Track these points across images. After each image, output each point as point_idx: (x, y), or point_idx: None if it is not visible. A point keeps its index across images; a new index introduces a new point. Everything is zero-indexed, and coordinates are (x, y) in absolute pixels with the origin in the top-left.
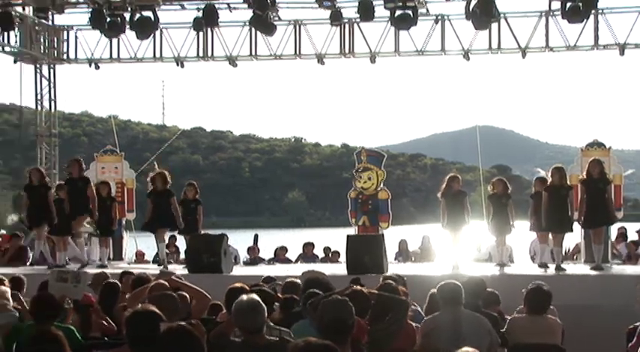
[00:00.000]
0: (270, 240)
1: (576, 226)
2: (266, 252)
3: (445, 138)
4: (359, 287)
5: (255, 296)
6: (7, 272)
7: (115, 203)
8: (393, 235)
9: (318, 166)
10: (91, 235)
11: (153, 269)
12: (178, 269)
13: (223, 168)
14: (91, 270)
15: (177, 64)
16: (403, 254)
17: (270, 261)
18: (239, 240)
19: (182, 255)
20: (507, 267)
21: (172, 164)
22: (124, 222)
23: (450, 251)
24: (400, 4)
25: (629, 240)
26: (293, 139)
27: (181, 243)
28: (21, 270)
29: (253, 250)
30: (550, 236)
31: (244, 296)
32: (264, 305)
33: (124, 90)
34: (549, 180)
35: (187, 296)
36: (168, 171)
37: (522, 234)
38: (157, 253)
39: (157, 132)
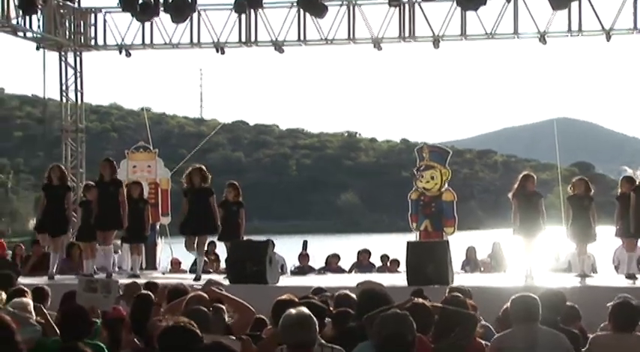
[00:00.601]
0: (320, 247)
1: None
2: (316, 260)
3: (518, 132)
4: (421, 300)
5: (304, 309)
6: (29, 283)
7: (148, 206)
8: (459, 242)
9: (375, 164)
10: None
11: (190, 280)
12: (218, 280)
13: (268, 167)
14: (122, 280)
15: (217, 51)
16: (471, 263)
17: (321, 271)
18: (286, 247)
19: (222, 264)
20: (589, 278)
21: (211, 162)
22: (157, 227)
23: (523, 260)
24: None
25: None
26: (346, 134)
27: (221, 250)
28: (44, 280)
29: (302, 258)
30: (639, 243)
31: (293, 310)
32: (314, 319)
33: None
34: (638, 179)
35: (225, 309)
36: (207, 168)
37: (607, 240)
38: (195, 261)
39: (194, 126)
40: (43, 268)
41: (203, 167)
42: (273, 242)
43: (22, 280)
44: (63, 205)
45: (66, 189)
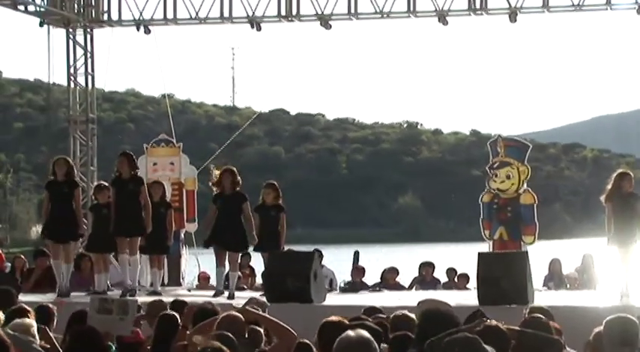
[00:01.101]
0: (375, 259)
1: None
2: (370, 274)
3: (610, 123)
4: (494, 323)
5: (364, 332)
6: (32, 300)
7: (171, 210)
8: (541, 253)
9: (439, 161)
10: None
11: (220, 297)
12: (259, 298)
13: (312, 164)
14: (142, 298)
15: (252, 26)
16: (555, 278)
17: (376, 287)
18: (334, 259)
19: (259, 279)
20: None
21: (245, 158)
22: (182, 236)
23: (619, 274)
24: None
25: None
26: (405, 125)
27: (257, 262)
28: (49, 298)
29: (354, 272)
30: None
31: (351, 332)
32: (376, 345)
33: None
34: None
35: (262, 332)
36: (238, 169)
37: None
38: (227, 276)
39: (226, 116)
40: (48, 283)
41: (234, 169)
42: (320, 252)
43: (24, 297)
44: (71, 205)
45: (74, 186)
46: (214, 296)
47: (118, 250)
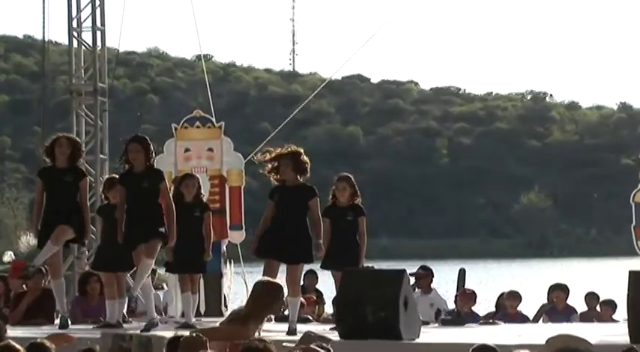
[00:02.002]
0: (487, 280)
1: None
2: (481, 300)
3: None
4: None
5: None
6: (22, 336)
7: (209, 213)
8: None
9: (576, 145)
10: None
11: (277, 332)
12: (323, 334)
13: (401, 150)
14: (169, 333)
15: None
16: None
17: (490, 318)
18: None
19: (328, 307)
20: None
21: (310, 142)
22: (224, 248)
23: None
24: None
25: None
26: (529, 96)
27: (326, 283)
28: (46, 331)
29: (460, 298)
30: None
31: None
32: None
33: (223, 12)
34: None
35: None
36: (305, 151)
37: None
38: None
39: (283, 84)
40: (44, 311)
41: (300, 150)
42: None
43: (12, 331)
44: (74, 199)
45: (80, 176)
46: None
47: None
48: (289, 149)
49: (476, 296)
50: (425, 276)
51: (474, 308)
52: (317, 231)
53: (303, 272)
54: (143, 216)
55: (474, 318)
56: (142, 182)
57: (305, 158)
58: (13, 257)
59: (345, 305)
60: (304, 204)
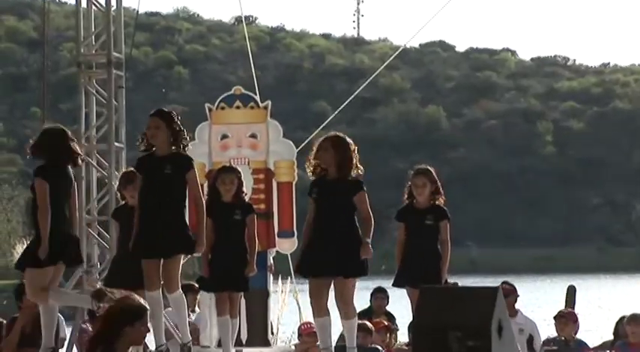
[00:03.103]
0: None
1: None
2: (595, 325)
3: None
4: None
5: None
6: None
7: (252, 217)
8: None
9: None
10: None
11: None
12: None
13: (494, 136)
14: None
15: None
16: None
17: (606, 348)
18: (532, 298)
19: (402, 336)
20: None
21: (380, 126)
22: (271, 260)
23: None
24: None
25: None
26: None
27: (399, 304)
28: None
29: (563, 319)
30: None
31: None
32: None
33: None
34: None
35: None
36: (368, 141)
37: None
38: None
39: (345, 54)
40: (40, 337)
41: (341, 137)
42: (510, 287)
43: None
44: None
45: (35, 174)
46: None
47: (145, 284)
48: (332, 135)
49: (577, 318)
50: (511, 293)
51: (581, 335)
52: (366, 231)
53: (370, 292)
54: (165, 213)
55: (582, 348)
56: (164, 168)
57: (351, 149)
58: None
59: (423, 332)
60: (348, 200)
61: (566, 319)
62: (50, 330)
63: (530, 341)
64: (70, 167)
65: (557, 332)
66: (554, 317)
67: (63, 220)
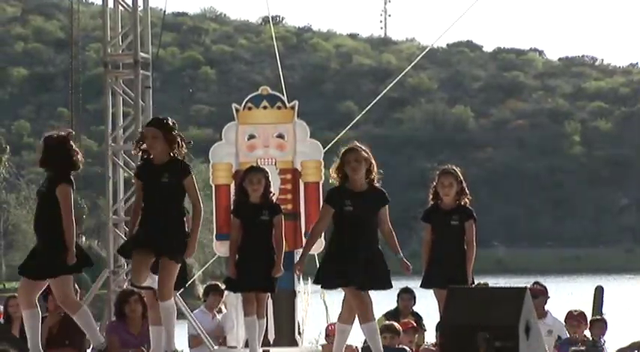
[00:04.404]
0: (632, 300)
1: None
2: (625, 327)
3: None
4: None
5: None
6: None
7: (280, 217)
8: None
9: None
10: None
11: None
12: None
13: (522, 137)
14: None
15: None
16: None
17: (634, 349)
18: (561, 300)
19: (429, 336)
20: None
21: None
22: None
23: None
24: None
25: None
26: None
27: (427, 304)
28: None
29: (596, 323)
30: None
31: None
32: None
33: None
34: None
35: None
36: (393, 142)
37: None
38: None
39: (372, 54)
40: (69, 337)
41: (359, 150)
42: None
43: None
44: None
45: (57, 179)
46: None
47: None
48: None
49: (586, 319)
50: (541, 294)
51: (604, 339)
52: (391, 241)
53: (397, 292)
54: (161, 220)
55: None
56: (162, 176)
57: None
58: None
59: (451, 333)
60: (374, 210)
61: (577, 320)
62: (92, 329)
63: (559, 342)
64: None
65: (569, 333)
66: (565, 319)
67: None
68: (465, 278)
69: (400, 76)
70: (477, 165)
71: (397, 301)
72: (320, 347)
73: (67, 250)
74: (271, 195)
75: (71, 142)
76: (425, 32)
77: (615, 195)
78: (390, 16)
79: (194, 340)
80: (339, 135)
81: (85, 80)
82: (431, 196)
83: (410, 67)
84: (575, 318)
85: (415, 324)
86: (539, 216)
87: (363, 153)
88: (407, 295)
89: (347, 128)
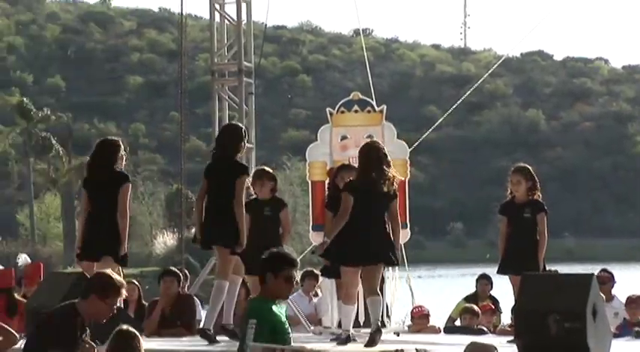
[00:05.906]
0: None
1: None
2: None
3: None
4: None
5: None
6: (161, 348)
7: None
8: None
9: None
10: None
11: (445, 346)
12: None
13: (589, 137)
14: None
15: None
16: None
17: None
18: (628, 286)
19: (504, 318)
20: None
21: (484, 128)
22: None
23: None
24: None
25: None
26: None
27: (503, 289)
28: (186, 343)
29: (630, 305)
30: None
31: None
32: None
33: None
34: None
35: None
36: (473, 142)
37: None
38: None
39: (453, 62)
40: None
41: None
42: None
43: (149, 344)
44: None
45: (117, 181)
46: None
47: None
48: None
49: None
50: (608, 280)
51: None
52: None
53: (475, 278)
54: (221, 214)
55: None
56: (223, 174)
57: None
58: (28, 260)
59: (525, 315)
60: (381, 209)
61: (636, 303)
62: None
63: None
64: None
65: (628, 315)
66: (625, 303)
67: None
68: (537, 266)
69: (479, 83)
70: (548, 164)
71: (476, 286)
72: (407, 328)
73: (121, 243)
74: None
75: None
76: (501, 42)
77: None
78: (469, 28)
79: (291, 320)
80: (423, 136)
81: (194, 87)
82: (508, 192)
83: (487, 74)
84: (634, 301)
85: (492, 307)
86: (604, 209)
87: None
88: (484, 280)
89: (430, 130)
